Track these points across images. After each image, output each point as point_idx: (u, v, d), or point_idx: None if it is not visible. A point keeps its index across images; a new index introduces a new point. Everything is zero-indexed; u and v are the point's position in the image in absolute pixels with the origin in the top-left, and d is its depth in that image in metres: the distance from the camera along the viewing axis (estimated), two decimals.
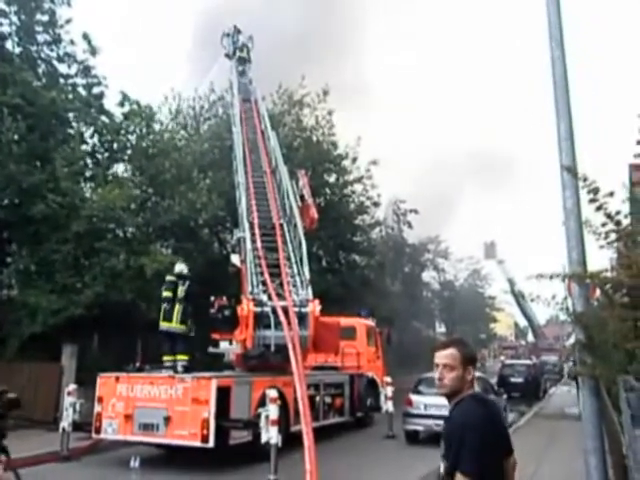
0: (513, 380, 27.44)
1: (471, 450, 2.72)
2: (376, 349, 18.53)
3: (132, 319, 16.41)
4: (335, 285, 23.52)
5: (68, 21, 19.20)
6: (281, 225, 14.80)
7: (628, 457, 4.86)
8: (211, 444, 10.25)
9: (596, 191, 5.51)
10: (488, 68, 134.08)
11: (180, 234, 20.10)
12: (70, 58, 19.50)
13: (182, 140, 23.37)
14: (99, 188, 17.66)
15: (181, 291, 12.58)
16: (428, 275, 50.17)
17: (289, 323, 11.83)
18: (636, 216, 6.17)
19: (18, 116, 16.34)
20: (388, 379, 16.41)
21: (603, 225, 5.58)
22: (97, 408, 11.34)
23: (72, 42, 19.35)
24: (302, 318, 12.57)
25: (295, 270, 13.76)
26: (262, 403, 10.81)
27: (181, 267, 13.12)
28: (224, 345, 13.23)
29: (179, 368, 11.97)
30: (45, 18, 18.78)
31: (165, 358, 12.43)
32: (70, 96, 19.00)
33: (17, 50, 18.55)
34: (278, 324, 12.05)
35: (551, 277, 6.20)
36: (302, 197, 15.62)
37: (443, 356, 2.98)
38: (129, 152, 19.82)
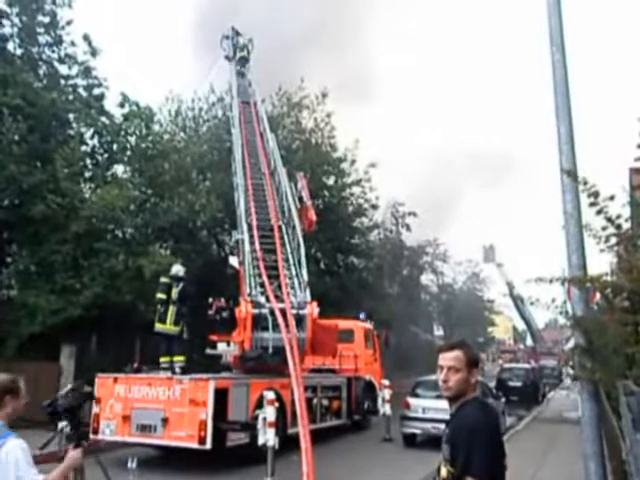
0: (512, 384, 27.42)
1: (482, 454, 2.70)
2: (374, 352, 18.51)
3: (130, 320, 16.40)
4: (333, 287, 23.51)
5: (69, 22, 19.20)
6: (279, 227, 14.79)
7: (629, 462, 4.85)
8: (208, 446, 10.23)
9: (596, 195, 5.51)
10: (488, 71, 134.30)
11: (179, 235, 20.10)
12: (71, 59, 19.50)
13: (181, 142, 23.35)
14: (98, 189, 17.67)
15: (175, 293, 12.60)
16: (426, 278, 50.09)
17: (287, 325, 11.79)
18: (636, 220, 6.16)
19: (19, 117, 16.32)
20: (386, 382, 16.39)
21: (603, 229, 5.57)
22: (95, 409, 11.32)
23: (73, 43, 19.36)
24: (300, 320, 12.55)
25: (293, 272, 13.76)
26: (259, 405, 10.82)
27: (177, 269, 13.13)
28: (222, 347, 13.23)
29: (177, 369, 11.98)
30: (46, 20, 18.78)
31: (162, 359, 12.42)
32: (70, 97, 19.02)
33: (18, 51, 18.55)
34: (276, 326, 12.02)
35: (551, 281, 6.20)
36: (301, 199, 15.61)
37: (448, 358, 2.96)
38: (129, 153, 19.82)
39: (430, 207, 66.29)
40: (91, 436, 11.41)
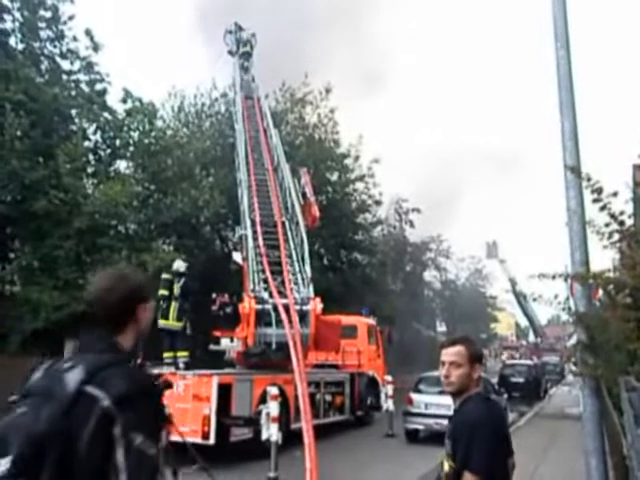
0: (514, 380, 27.41)
1: (481, 449, 2.69)
2: (377, 348, 18.51)
3: None
4: (336, 283, 23.54)
5: (71, 17, 19.23)
6: (283, 223, 14.78)
7: (630, 457, 4.86)
8: (212, 441, 10.26)
9: (600, 191, 5.49)
10: (493, 68, 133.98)
11: (182, 231, 20.12)
12: (73, 54, 19.53)
13: (184, 137, 23.37)
14: (101, 184, 17.68)
15: (177, 288, 12.63)
16: (429, 274, 50.09)
17: (290, 321, 11.82)
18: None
19: (21, 112, 16.33)
20: (389, 378, 16.39)
21: (607, 225, 5.55)
22: None
23: (75, 38, 19.40)
24: (303, 316, 12.57)
25: (297, 268, 13.76)
26: (263, 400, 10.83)
27: (178, 264, 13.16)
28: (225, 342, 13.23)
29: (180, 365, 12.00)
30: (48, 14, 18.81)
31: (165, 355, 12.46)
32: (73, 92, 19.04)
33: (20, 46, 18.57)
34: (279, 322, 12.05)
35: (554, 277, 6.19)
36: (304, 195, 15.60)
37: (451, 353, 2.95)
38: (131, 149, 19.85)
39: (433, 203, 66.26)
40: None
